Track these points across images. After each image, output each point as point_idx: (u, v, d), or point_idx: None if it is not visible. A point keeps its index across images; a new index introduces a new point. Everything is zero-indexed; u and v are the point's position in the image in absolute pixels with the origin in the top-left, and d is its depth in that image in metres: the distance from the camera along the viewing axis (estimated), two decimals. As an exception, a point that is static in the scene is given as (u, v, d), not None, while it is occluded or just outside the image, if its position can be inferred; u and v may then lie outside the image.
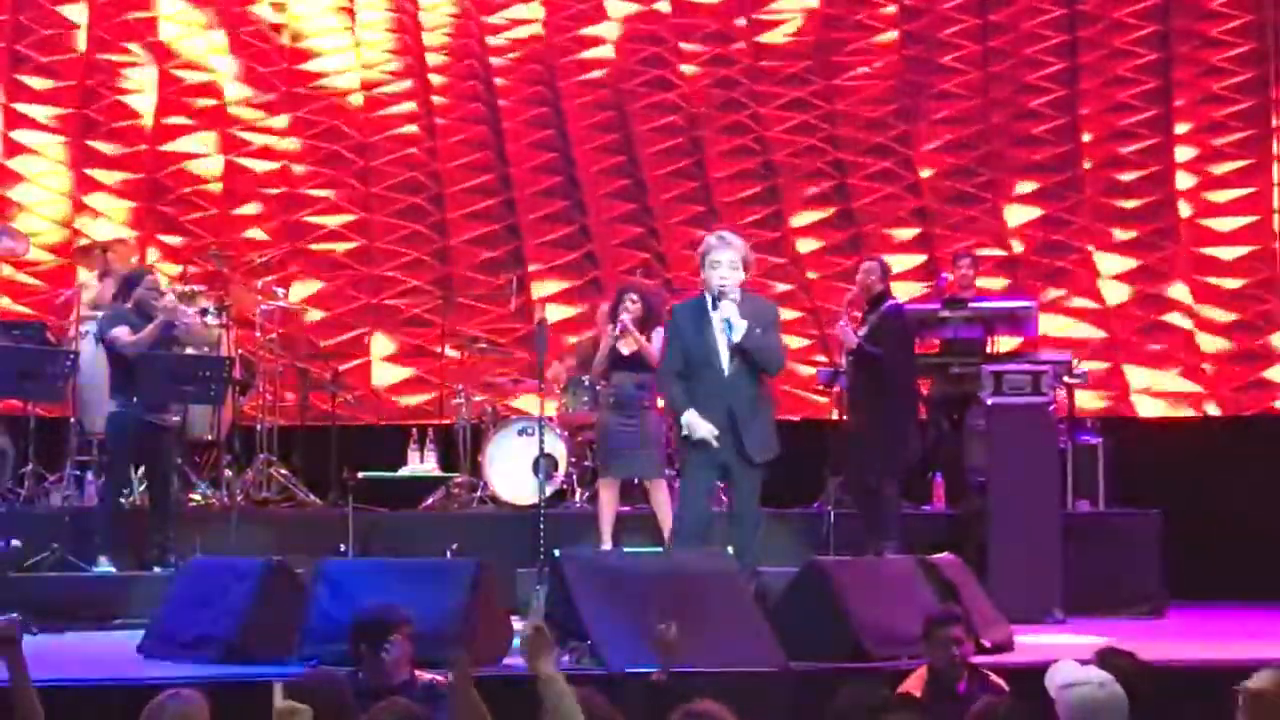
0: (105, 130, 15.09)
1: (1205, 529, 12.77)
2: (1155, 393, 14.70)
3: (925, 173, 15.40)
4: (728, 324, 8.92)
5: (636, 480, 11.69)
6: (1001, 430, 11.49)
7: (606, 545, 11.07)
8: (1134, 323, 14.91)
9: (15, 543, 10.64)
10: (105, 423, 11.33)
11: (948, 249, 14.73)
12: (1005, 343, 13.40)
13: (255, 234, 15.30)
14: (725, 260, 8.97)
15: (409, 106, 15.68)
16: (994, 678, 7.42)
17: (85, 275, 13.29)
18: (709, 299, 9.00)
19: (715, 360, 8.98)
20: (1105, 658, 6.16)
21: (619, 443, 11.23)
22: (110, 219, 14.95)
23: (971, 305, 13.11)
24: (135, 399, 11.00)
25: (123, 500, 11.47)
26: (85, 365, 11.75)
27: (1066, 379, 12.44)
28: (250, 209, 15.40)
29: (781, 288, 14.94)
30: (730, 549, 9.03)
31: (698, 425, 8.93)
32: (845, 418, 12.32)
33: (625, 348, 11.25)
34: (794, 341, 14.28)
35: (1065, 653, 8.07)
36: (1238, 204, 14.93)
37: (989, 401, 11.56)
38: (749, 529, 9.12)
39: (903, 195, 15.41)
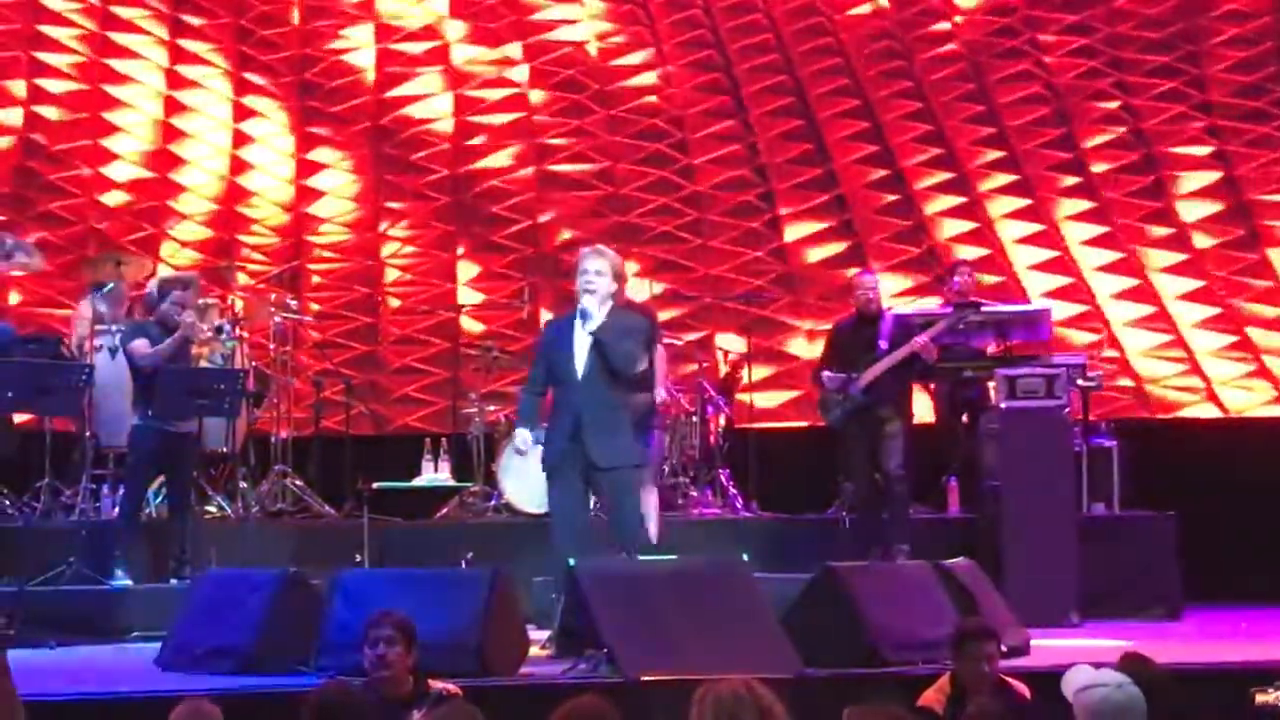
0: (325, 90, 16.25)
1: (1221, 531, 12.75)
2: None
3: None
4: (583, 312, 9.03)
5: None
6: (1016, 434, 11.49)
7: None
8: None
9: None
10: (128, 435, 11.34)
11: (1248, 167, 15.32)
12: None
13: (493, 161, 16.06)
14: (592, 267, 9.13)
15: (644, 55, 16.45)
16: (1017, 685, 7.36)
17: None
18: (579, 313, 9.12)
19: (572, 367, 9.08)
20: (1125, 663, 6.14)
21: None
22: (334, 168, 16.12)
23: (985, 309, 13.08)
24: (150, 411, 11.02)
25: (141, 513, 11.48)
26: (101, 378, 11.76)
27: (1080, 382, 12.43)
28: (479, 140, 16.15)
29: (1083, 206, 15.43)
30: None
31: (517, 436, 9.43)
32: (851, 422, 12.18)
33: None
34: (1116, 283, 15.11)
35: (1081, 656, 8.09)
36: None
37: (1003, 406, 11.55)
38: (628, 534, 9.08)
39: (1192, 115, 15.71)
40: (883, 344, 11.85)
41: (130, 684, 8.34)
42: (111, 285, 12.74)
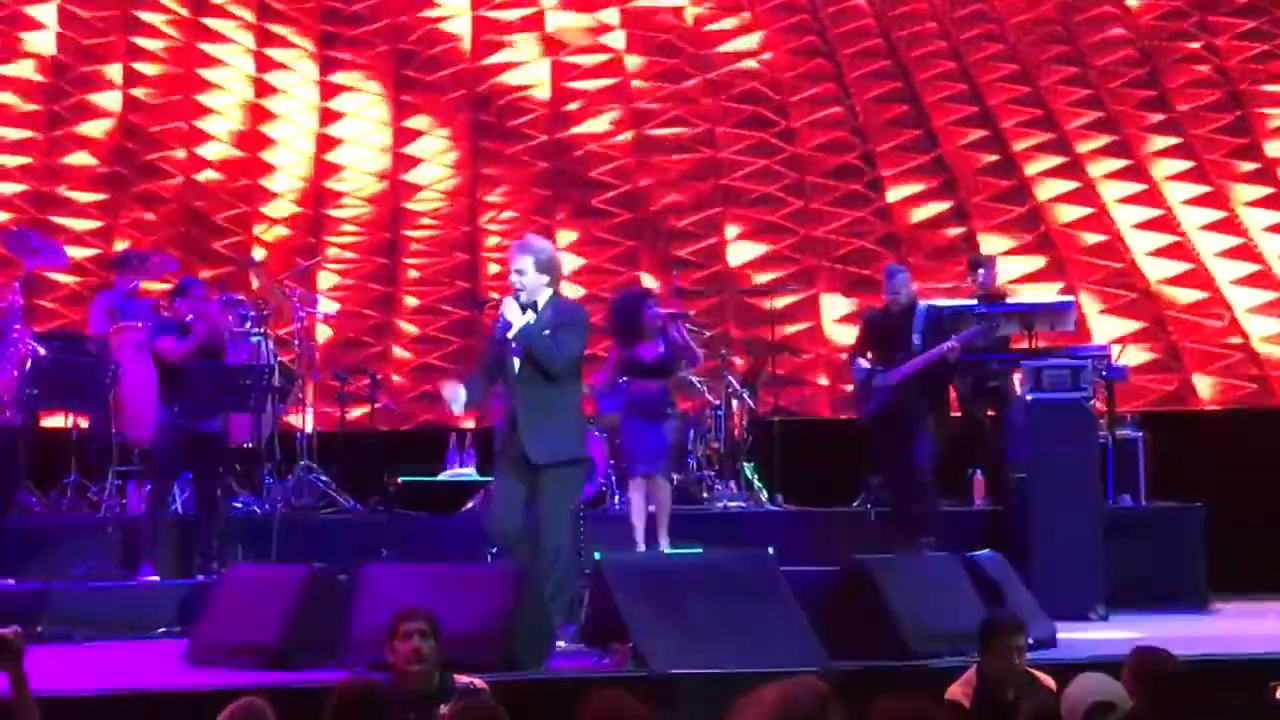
0: (420, 60, 16.53)
1: (1248, 523, 12.69)
2: None
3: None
4: (504, 321, 9.02)
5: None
6: (1041, 426, 11.46)
7: (640, 547, 11.07)
8: None
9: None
10: (154, 432, 11.38)
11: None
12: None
13: (590, 127, 16.40)
14: (514, 265, 9.12)
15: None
16: (1043, 677, 7.34)
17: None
18: (501, 319, 9.13)
19: (509, 366, 9.06)
20: (1138, 657, 6.13)
21: (641, 445, 11.25)
22: (431, 161, 16.36)
23: (1009, 302, 13.05)
24: (176, 408, 11.05)
25: (167, 509, 11.50)
26: (126, 376, 11.78)
27: (1105, 373, 12.40)
28: (593, 126, 16.40)
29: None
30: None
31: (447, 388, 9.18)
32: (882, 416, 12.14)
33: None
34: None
35: (1107, 647, 8.08)
36: None
37: (1028, 398, 11.53)
38: (549, 537, 8.89)
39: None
40: (916, 338, 11.79)
41: (157, 680, 8.35)
42: (135, 283, 12.80)
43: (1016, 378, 12.35)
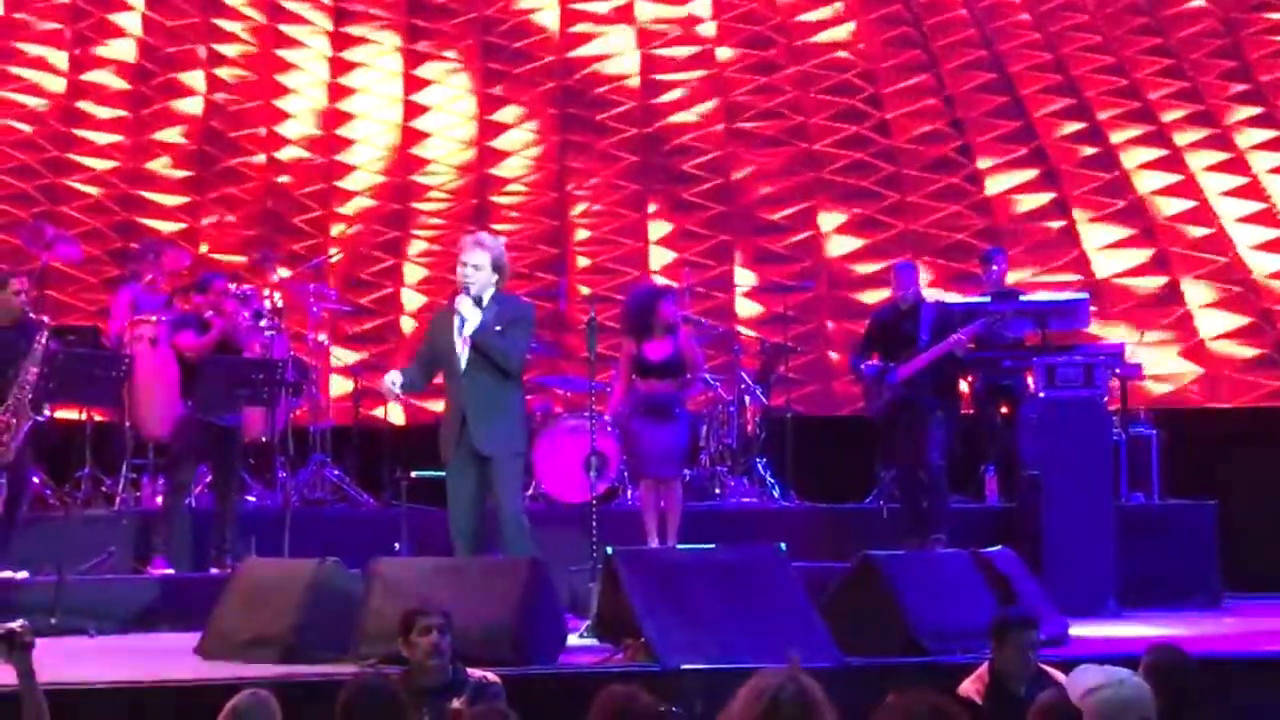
0: (508, 52, 16.34)
1: (1261, 520, 12.69)
2: None
3: None
4: (460, 317, 9.05)
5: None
6: (1054, 423, 11.46)
7: (653, 544, 11.06)
8: None
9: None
10: (173, 425, 11.41)
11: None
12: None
13: (682, 117, 16.22)
14: (469, 260, 9.15)
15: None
16: (1055, 674, 7.33)
17: None
18: (457, 316, 9.15)
19: (455, 361, 9.10)
20: (1153, 654, 6.13)
21: (651, 446, 11.23)
22: (517, 131, 16.22)
23: (1023, 299, 13.04)
24: (189, 401, 11.08)
25: (183, 503, 11.53)
26: (140, 369, 11.80)
27: (1119, 371, 12.39)
28: (673, 94, 16.27)
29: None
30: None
31: (387, 377, 9.33)
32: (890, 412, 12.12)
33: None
34: None
35: (1120, 645, 8.07)
36: None
37: (1041, 395, 11.53)
38: (508, 526, 9.07)
39: None
40: (924, 335, 11.79)
41: (170, 672, 8.37)
42: (151, 276, 12.82)
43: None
